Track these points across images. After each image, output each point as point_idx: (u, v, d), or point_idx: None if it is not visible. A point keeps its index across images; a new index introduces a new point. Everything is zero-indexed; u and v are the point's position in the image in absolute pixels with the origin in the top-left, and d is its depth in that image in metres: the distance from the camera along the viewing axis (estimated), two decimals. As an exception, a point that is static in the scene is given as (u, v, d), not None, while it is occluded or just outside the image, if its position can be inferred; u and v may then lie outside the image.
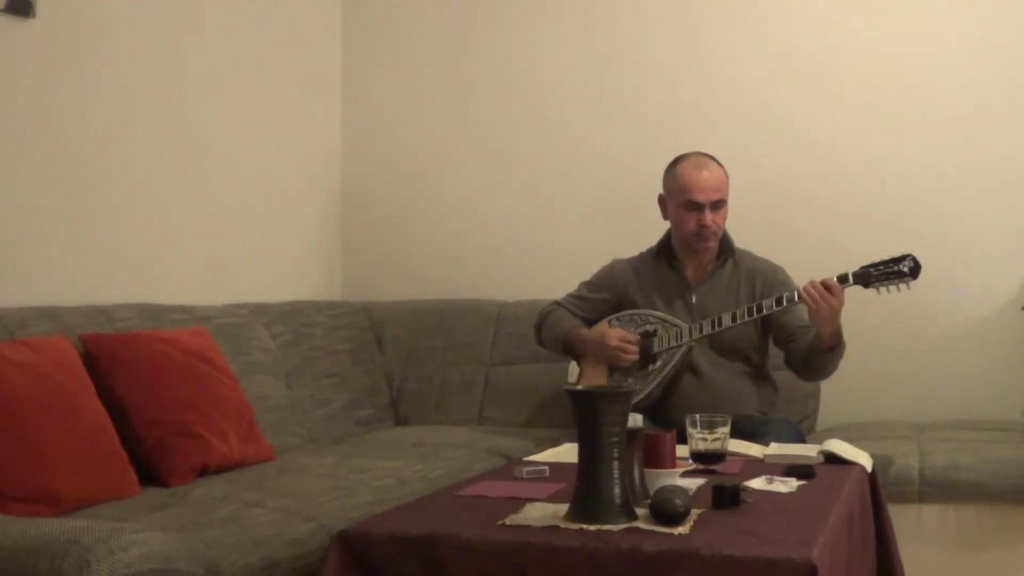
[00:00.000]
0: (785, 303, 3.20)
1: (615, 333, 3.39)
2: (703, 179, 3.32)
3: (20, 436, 2.46)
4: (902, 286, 3.12)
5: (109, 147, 3.39)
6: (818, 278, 3.15)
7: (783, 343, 3.37)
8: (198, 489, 2.72)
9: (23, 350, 2.62)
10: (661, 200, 3.45)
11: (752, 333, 3.38)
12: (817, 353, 3.23)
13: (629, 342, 3.36)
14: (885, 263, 3.12)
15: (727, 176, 3.38)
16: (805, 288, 3.12)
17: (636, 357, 3.34)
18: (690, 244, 3.40)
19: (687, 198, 3.33)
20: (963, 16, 3.95)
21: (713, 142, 3.80)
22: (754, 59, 4.13)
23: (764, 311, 3.22)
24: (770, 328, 3.38)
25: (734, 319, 3.25)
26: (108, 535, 1.96)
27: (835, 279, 3.13)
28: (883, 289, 3.14)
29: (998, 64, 3.91)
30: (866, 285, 3.14)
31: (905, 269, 3.10)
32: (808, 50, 4.08)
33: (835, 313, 3.12)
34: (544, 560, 1.93)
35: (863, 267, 3.15)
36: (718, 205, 3.34)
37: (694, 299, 3.40)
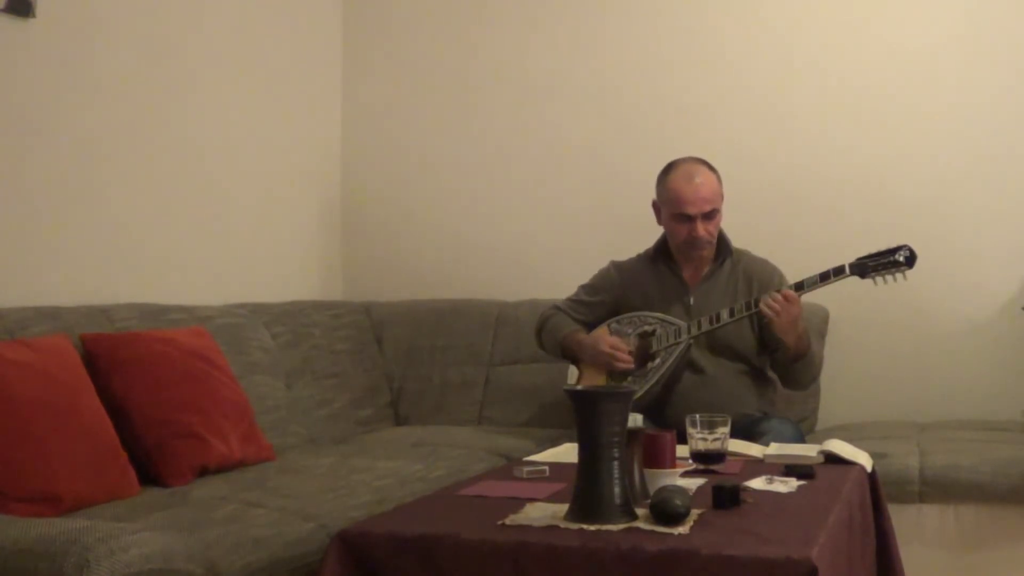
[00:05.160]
0: (754, 307, 3.21)
1: (608, 340, 3.40)
2: (693, 190, 3.30)
3: (20, 436, 2.46)
4: (899, 276, 3.13)
5: (109, 147, 3.39)
6: (816, 273, 3.18)
7: (770, 351, 3.38)
8: (198, 489, 2.72)
9: (23, 350, 2.62)
10: (655, 206, 3.45)
11: (749, 334, 3.38)
12: (788, 362, 3.26)
13: (621, 349, 3.36)
14: (881, 253, 3.14)
15: (720, 181, 3.36)
16: (764, 301, 3.15)
17: (630, 365, 3.34)
18: (683, 252, 3.40)
19: (678, 210, 3.32)
20: (963, 14, 3.95)
21: (713, 142, 3.81)
22: (754, 59, 4.13)
23: (757, 307, 3.23)
24: (763, 333, 3.39)
25: (732, 314, 3.25)
26: (108, 535, 1.96)
27: (803, 281, 3.18)
28: (880, 279, 3.15)
29: (998, 64, 3.91)
30: (863, 276, 3.15)
31: (901, 259, 3.11)
32: (808, 49, 4.08)
33: (793, 321, 3.14)
34: (544, 560, 1.93)
35: (859, 258, 3.16)
36: (710, 215, 3.33)
37: (692, 301, 3.40)
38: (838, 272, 3.16)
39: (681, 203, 3.31)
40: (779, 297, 3.14)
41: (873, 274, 3.14)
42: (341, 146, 4.56)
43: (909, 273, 3.13)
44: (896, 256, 3.11)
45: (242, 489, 2.71)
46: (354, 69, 4.55)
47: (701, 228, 3.31)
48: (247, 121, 3.99)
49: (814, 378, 3.41)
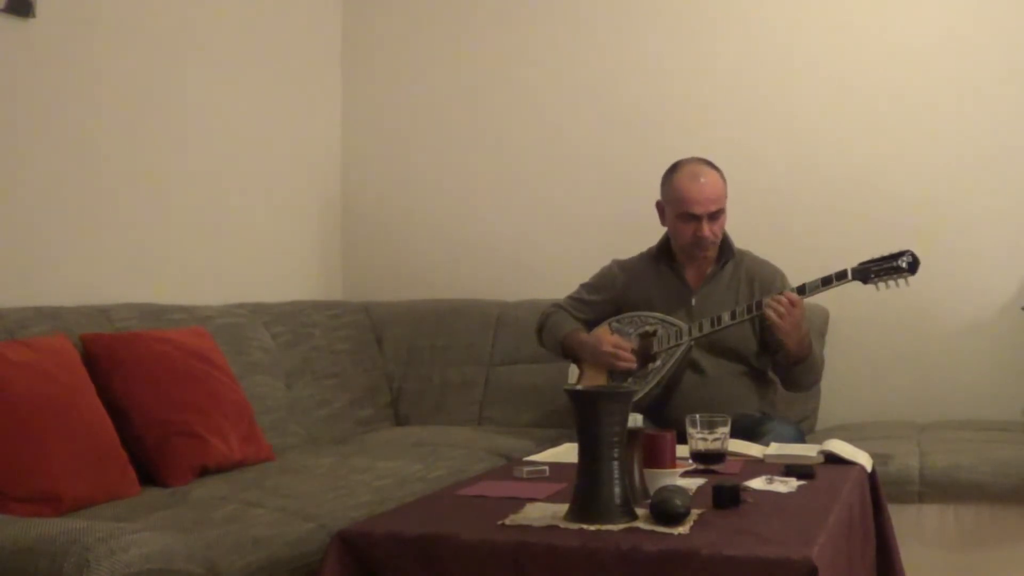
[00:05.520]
0: (755, 310, 3.21)
1: (610, 339, 3.39)
2: (699, 190, 3.30)
3: (20, 436, 2.46)
4: (900, 281, 3.13)
5: (109, 147, 3.39)
6: (818, 277, 3.18)
7: (771, 352, 3.38)
8: (198, 489, 2.72)
9: (23, 350, 2.62)
10: (659, 206, 3.44)
11: (750, 336, 3.38)
12: (790, 365, 3.26)
13: (623, 348, 3.35)
14: (884, 259, 3.14)
15: (725, 183, 3.36)
16: (768, 304, 3.14)
17: (632, 364, 3.34)
18: (687, 253, 3.40)
19: (684, 210, 3.32)
20: (962, 14, 3.95)
21: (714, 142, 3.80)
22: (755, 60, 4.13)
23: (762, 309, 3.23)
24: (763, 335, 3.39)
25: (733, 317, 3.25)
26: (108, 535, 1.96)
27: (805, 285, 3.17)
28: (882, 285, 3.15)
29: (998, 63, 3.91)
30: (865, 281, 3.15)
31: (903, 265, 3.11)
32: (809, 50, 4.08)
33: (796, 325, 3.14)
34: (544, 560, 1.93)
35: (862, 263, 3.16)
36: (715, 215, 3.33)
37: (694, 302, 3.40)
38: (840, 276, 3.16)
39: (687, 203, 3.30)
40: (783, 300, 3.14)
41: (875, 279, 3.14)
42: (341, 146, 4.56)
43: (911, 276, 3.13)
44: (899, 262, 3.11)
45: (242, 489, 2.71)
46: (354, 69, 4.55)
47: (707, 228, 3.30)
48: (247, 121, 3.99)
49: (816, 381, 3.41)
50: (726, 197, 3.36)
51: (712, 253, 3.39)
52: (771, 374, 3.45)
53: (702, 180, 3.31)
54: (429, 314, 4.22)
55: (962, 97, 3.94)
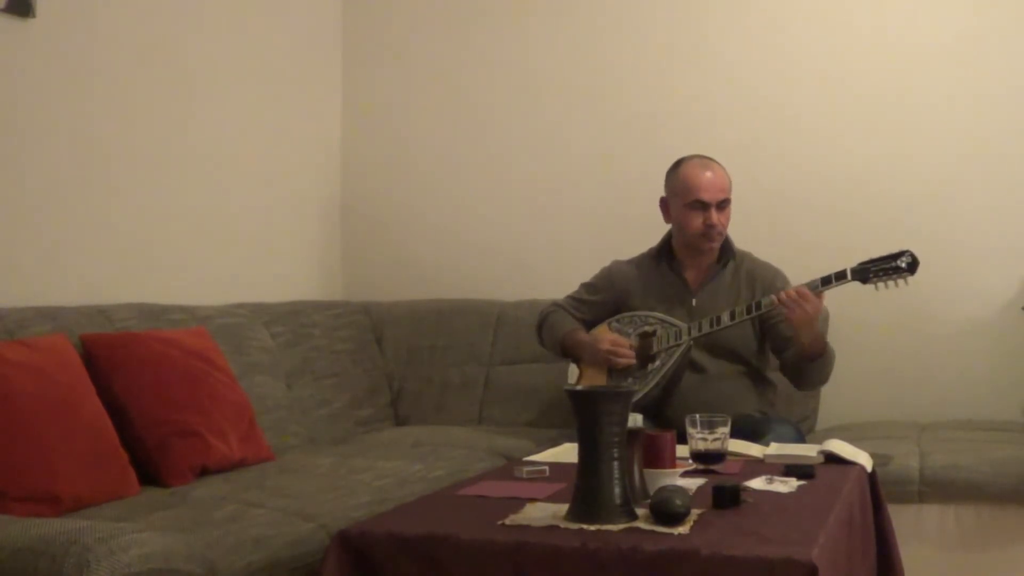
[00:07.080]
0: (763, 308, 3.20)
1: (608, 337, 3.39)
2: (708, 179, 3.32)
3: (20, 436, 2.46)
4: (900, 281, 3.13)
5: (109, 147, 3.40)
6: (818, 277, 3.18)
7: (777, 351, 3.38)
8: (198, 489, 2.73)
9: (23, 350, 2.62)
10: (663, 202, 3.45)
11: (749, 336, 3.38)
12: (803, 362, 3.25)
13: (622, 345, 3.35)
14: (883, 259, 3.14)
15: (729, 177, 3.38)
16: (779, 296, 3.14)
17: (631, 361, 3.34)
18: (695, 244, 3.39)
19: (694, 198, 3.32)
20: (963, 14, 3.95)
21: (713, 142, 3.80)
22: (755, 59, 4.13)
23: (763, 309, 3.23)
24: (766, 335, 3.38)
25: (732, 317, 3.25)
26: (108, 535, 1.96)
27: (805, 285, 3.16)
28: (881, 285, 3.15)
29: (998, 63, 3.91)
30: (864, 281, 3.15)
31: (903, 265, 3.11)
32: (808, 50, 4.08)
33: (811, 319, 3.14)
34: (544, 560, 1.93)
35: (861, 263, 3.16)
36: (723, 205, 3.34)
37: (694, 303, 3.40)
38: (840, 277, 3.16)
39: (697, 190, 3.31)
40: (791, 292, 3.13)
41: (875, 279, 3.14)
42: (341, 146, 4.56)
43: (910, 276, 3.13)
44: (898, 262, 3.11)
45: (242, 489, 2.71)
46: (354, 69, 4.55)
47: (716, 217, 3.31)
48: (247, 121, 3.99)
49: (826, 378, 3.38)
50: (731, 191, 3.37)
51: (718, 245, 3.39)
52: (770, 374, 3.45)
53: (709, 171, 3.34)
54: (429, 314, 4.22)
55: (962, 97, 3.94)
